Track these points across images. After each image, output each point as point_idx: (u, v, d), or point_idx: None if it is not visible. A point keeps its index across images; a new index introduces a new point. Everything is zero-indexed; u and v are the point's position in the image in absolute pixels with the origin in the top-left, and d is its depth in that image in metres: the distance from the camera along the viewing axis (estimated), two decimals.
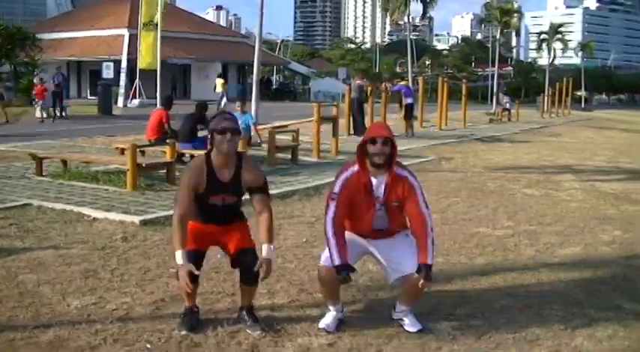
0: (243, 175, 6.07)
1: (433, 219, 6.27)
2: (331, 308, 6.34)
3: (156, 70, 31.61)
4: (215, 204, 6.05)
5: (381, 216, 6.12)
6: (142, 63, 41.40)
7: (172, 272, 6.71)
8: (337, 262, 5.91)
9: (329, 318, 6.28)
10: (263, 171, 6.42)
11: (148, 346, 5.77)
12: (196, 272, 5.82)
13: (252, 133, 17.48)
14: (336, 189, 6.10)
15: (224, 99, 38.44)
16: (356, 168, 6.10)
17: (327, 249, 6.11)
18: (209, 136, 6.00)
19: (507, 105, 43.02)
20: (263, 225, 6.06)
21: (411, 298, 6.31)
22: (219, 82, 42.79)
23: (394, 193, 6.06)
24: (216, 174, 6.00)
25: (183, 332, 6.00)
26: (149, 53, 38.98)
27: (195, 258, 6.00)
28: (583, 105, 72.33)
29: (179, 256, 5.79)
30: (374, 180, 6.06)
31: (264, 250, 5.94)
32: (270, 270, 5.90)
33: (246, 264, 6.03)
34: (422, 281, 5.91)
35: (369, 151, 5.97)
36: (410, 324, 6.24)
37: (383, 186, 6.05)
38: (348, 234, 6.20)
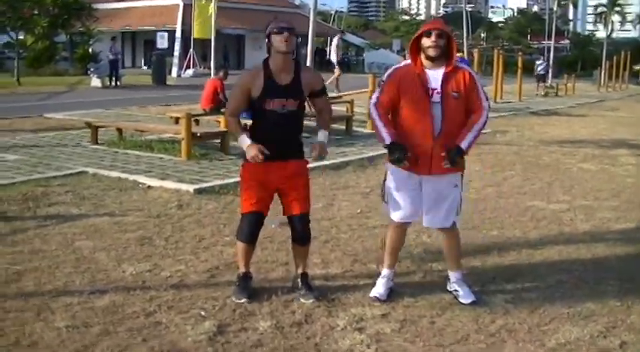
0: (303, 76, 6.05)
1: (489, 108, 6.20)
2: (384, 274, 6.35)
3: (209, 40, 31.61)
4: (274, 110, 5.96)
5: (436, 113, 5.90)
6: (196, 32, 41.58)
7: (227, 239, 6.72)
8: (388, 141, 5.94)
9: (380, 286, 6.29)
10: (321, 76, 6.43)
11: (202, 313, 5.82)
12: (266, 152, 5.87)
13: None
14: (384, 77, 6.10)
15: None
16: (408, 61, 6.05)
17: (391, 200, 6.20)
18: (266, 41, 5.96)
19: (541, 71, 41.15)
20: (323, 118, 6.25)
21: (449, 254, 6.35)
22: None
23: (454, 82, 5.93)
24: (274, 77, 5.96)
25: (243, 300, 6.04)
26: (204, 23, 39.11)
27: (257, 222, 6.07)
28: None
29: (243, 139, 5.96)
30: (429, 72, 5.94)
31: (320, 135, 6.13)
32: (322, 151, 6.06)
33: (299, 226, 6.13)
34: (445, 159, 5.90)
35: (424, 44, 5.89)
36: (464, 296, 6.21)
37: (440, 79, 5.92)
38: (406, 174, 6.08)
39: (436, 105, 5.91)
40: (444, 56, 5.93)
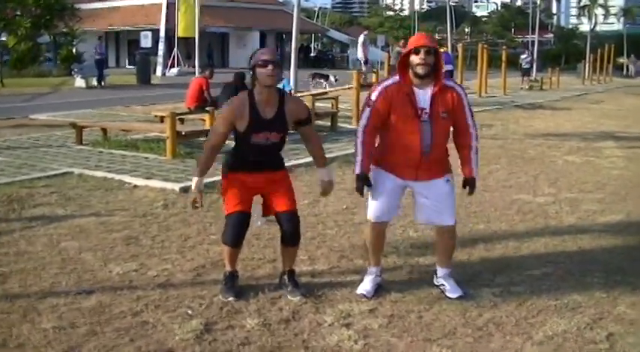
0: (288, 108, 6.00)
1: (478, 131, 6.28)
2: (370, 270, 6.35)
3: (193, 38, 31.62)
4: (258, 144, 5.95)
5: (425, 130, 5.88)
6: (180, 31, 41.53)
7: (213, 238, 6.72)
8: (358, 171, 6.06)
9: (367, 283, 6.29)
10: (306, 105, 6.46)
11: (189, 312, 5.81)
12: (197, 205, 6.08)
13: None
14: (373, 96, 5.97)
15: None
16: (397, 78, 5.96)
17: (369, 198, 6.22)
18: (251, 72, 5.92)
19: (524, 65, 40.66)
20: (316, 153, 6.32)
21: (444, 252, 6.34)
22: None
23: (443, 103, 5.89)
24: (259, 110, 5.90)
25: (230, 298, 6.03)
26: (188, 21, 39.08)
27: (241, 222, 6.04)
28: (625, 73, 71.07)
29: (194, 182, 6.04)
30: (417, 91, 5.87)
31: (323, 173, 6.30)
32: (331, 189, 6.38)
33: (289, 226, 6.08)
34: (468, 192, 6.23)
35: (412, 62, 5.80)
36: (451, 290, 6.23)
37: (429, 97, 5.86)
38: (387, 175, 6.12)
39: (425, 123, 5.89)
40: (432, 72, 5.87)
